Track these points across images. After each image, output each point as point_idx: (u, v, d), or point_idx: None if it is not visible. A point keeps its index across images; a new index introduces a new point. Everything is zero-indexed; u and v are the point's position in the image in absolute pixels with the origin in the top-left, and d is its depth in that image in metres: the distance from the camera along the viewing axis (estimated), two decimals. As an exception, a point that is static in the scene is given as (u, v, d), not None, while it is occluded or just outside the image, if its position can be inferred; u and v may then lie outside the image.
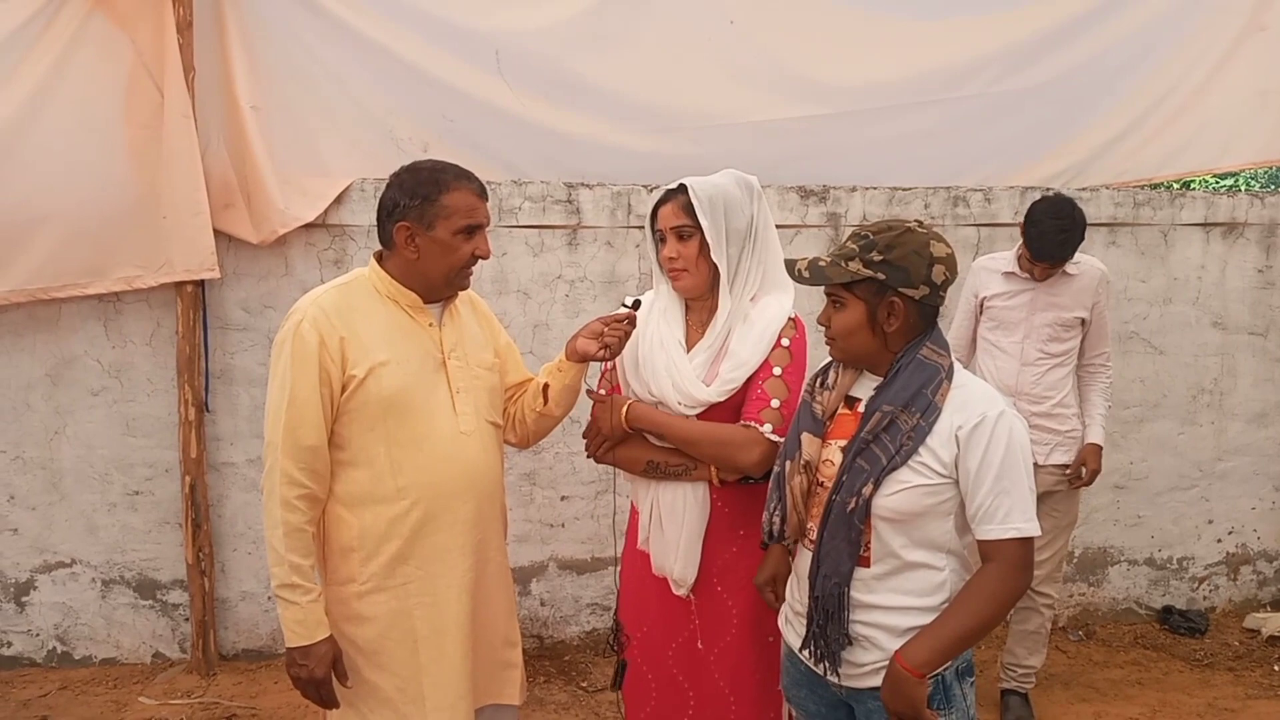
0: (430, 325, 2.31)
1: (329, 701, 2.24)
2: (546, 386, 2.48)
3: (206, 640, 4.09)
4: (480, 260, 2.31)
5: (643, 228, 4.15)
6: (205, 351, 4.01)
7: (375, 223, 2.30)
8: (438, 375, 2.29)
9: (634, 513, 2.58)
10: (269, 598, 4.20)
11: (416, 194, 2.20)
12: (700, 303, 2.46)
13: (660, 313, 2.47)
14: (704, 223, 2.35)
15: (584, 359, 2.41)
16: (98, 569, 4.12)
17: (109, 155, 3.80)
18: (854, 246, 1.99)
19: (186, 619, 4.14)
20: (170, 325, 3.98)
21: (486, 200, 2.30)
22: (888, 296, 1.96)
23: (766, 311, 2.40)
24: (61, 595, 4.12)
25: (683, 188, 2.39)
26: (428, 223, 2.21)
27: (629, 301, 2.44)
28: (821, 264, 2.01)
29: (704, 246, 2.38)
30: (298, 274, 4.05)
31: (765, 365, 2.35)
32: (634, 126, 4.23)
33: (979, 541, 1.93)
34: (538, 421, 2.53)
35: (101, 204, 3.80)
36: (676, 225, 2.38)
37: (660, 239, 2.44)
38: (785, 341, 2.37)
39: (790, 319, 2.41)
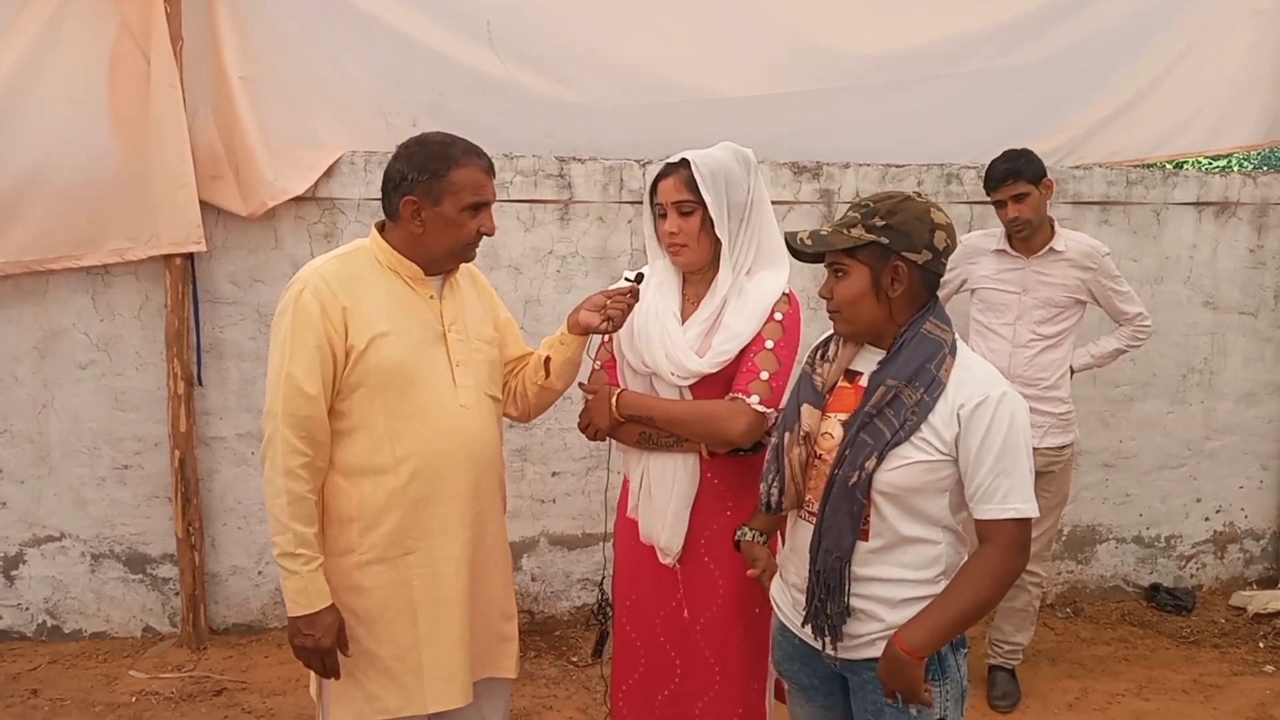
0: (431, 297, 2.30)
1: (332, 671, 2.25)
2: (548, 360, 2.47)
3: (197, 614, 4.08)
4: (485, 236, 2.29)
5: (635, 203, 4.15)
6: (196, 325, 3.99)
7: (380, 193, 2.28)
8: (437, 347, 2.28)
9: (626, 482, 2.59)
10: (259, 572, 4.19)
11: (425, 168, 2.19)
12: (698, 276, 2.47)
13: (656, 285, 2.47)
14: (708, 199, 2.35)
15: (585, 331, 2.41)
16: (87, 543, 4.11)
17: (96, 126, 3.76)
18: (855, 215, 1.99)
19: (177, 593, 4.14)
20: (159, 298, 3.95)
21: (494, 176, 2.29)
22: (891, 261, 1.96)
23: (761, 286, 2.41)
24: (51, 569, 4.11)
25: (684, 162, 2.38)
26: (434, 198, 2.20)
27: (631, 275, 2.42)
28: (823, 232, 2.01)
29: (705, 222, 2.38)
30: (287, 247, 4.02)
31: (758, 338, 2.36)
32: (627, 100, 4.19)
33: (977, 521, 1.94)
34: (539, 395, 2.53)
35: (90, 176, 3.77)
36: (678, 200, 2.37)
37: (660, 213, 2.43)
38: (778, 315, 2.39)
39: (784, 293, 2.42)
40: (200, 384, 4.03)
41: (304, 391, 2.14)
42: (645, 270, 2.48)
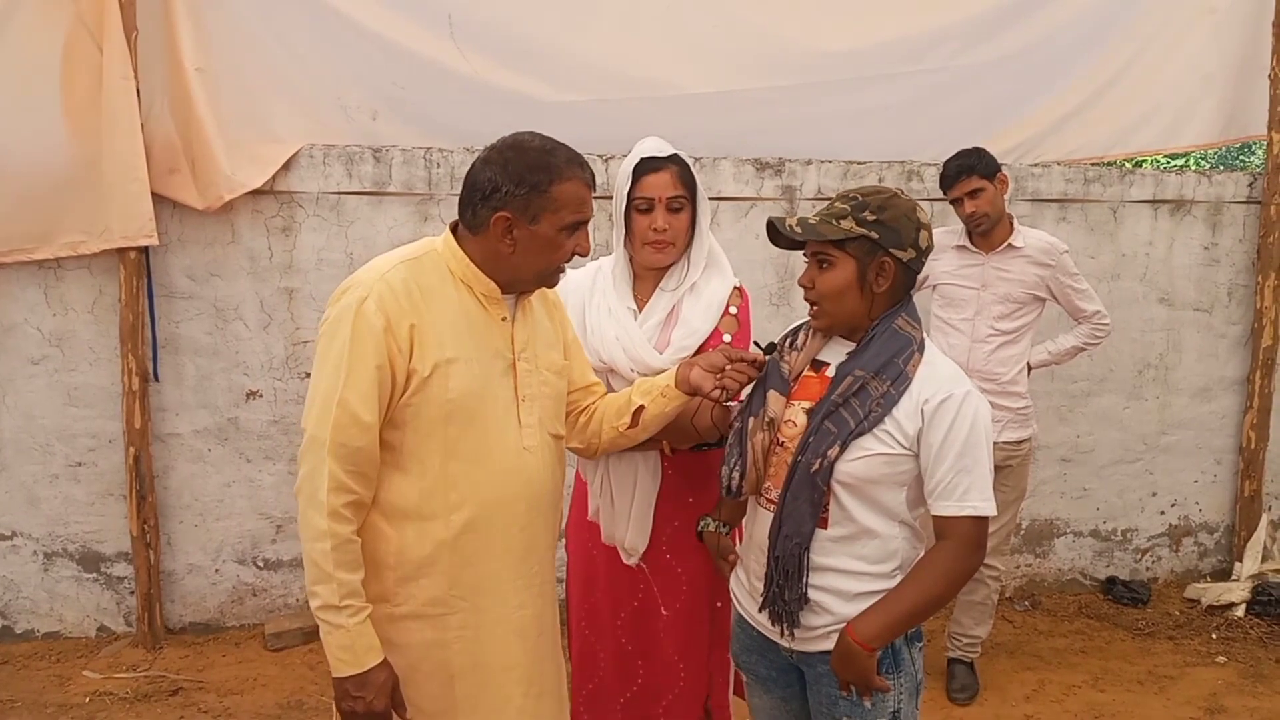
0: (504, 319, 2.01)
1: None
2: (640, 409, 2.19)
3: (152, 613, 4.03)
4: (579, 257, 2.03)
5: (597, 198, 4.12)
6: (152, 320, 3.93)
7: (461, 198, 1.99)
8: (505, 379, 2.00)
9: (579, 485, 2.58)
10: (216, 570, 4.14)
11: (524, 181, 1.90)
12: (653, 273, 2.46)
13: (609, 283, 2.46)
14: (700, 194, 2.39)
15: (694, 392, 2.14)
16: (39, 541, 4.04)
17: (49, 118, 3.70)
18: (844, 207, 1.98)
19: (132, 592, 4.08)
20: (113, 293, 3.89)
21: (594, 190, 2.02)
22: (879, 256, 1.96)
23: (712, 281, 2.43)
24: (2, 568, 4.03)
25: (673, 157, 2.37)
26: (532, 215, 1.91)
27: (763, 343, 2.24)
28: (812, 221, 1.99)
29: (692, 219, 2.39)
30: (244, 241, 3.97)
31: (715, 333, 2.39)
32: (589, 95, 4.18)
33: (935, 517, 1.96)
34: (615, 440, 2.25)
35: (43, 168, 3.71)
36: (673, 196, 2.35)
37: (643, 208, 2.37)
38: (733, 309, 2.42)
39: (736, 288, 2.44)
40: (156, 379, 3.97)
41: (359, 420, 1.84)
42: (775, 341, 2.25)
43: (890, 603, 1.94)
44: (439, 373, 1.90)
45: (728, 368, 2.10)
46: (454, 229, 2.02)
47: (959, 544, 1.93)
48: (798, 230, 1.98)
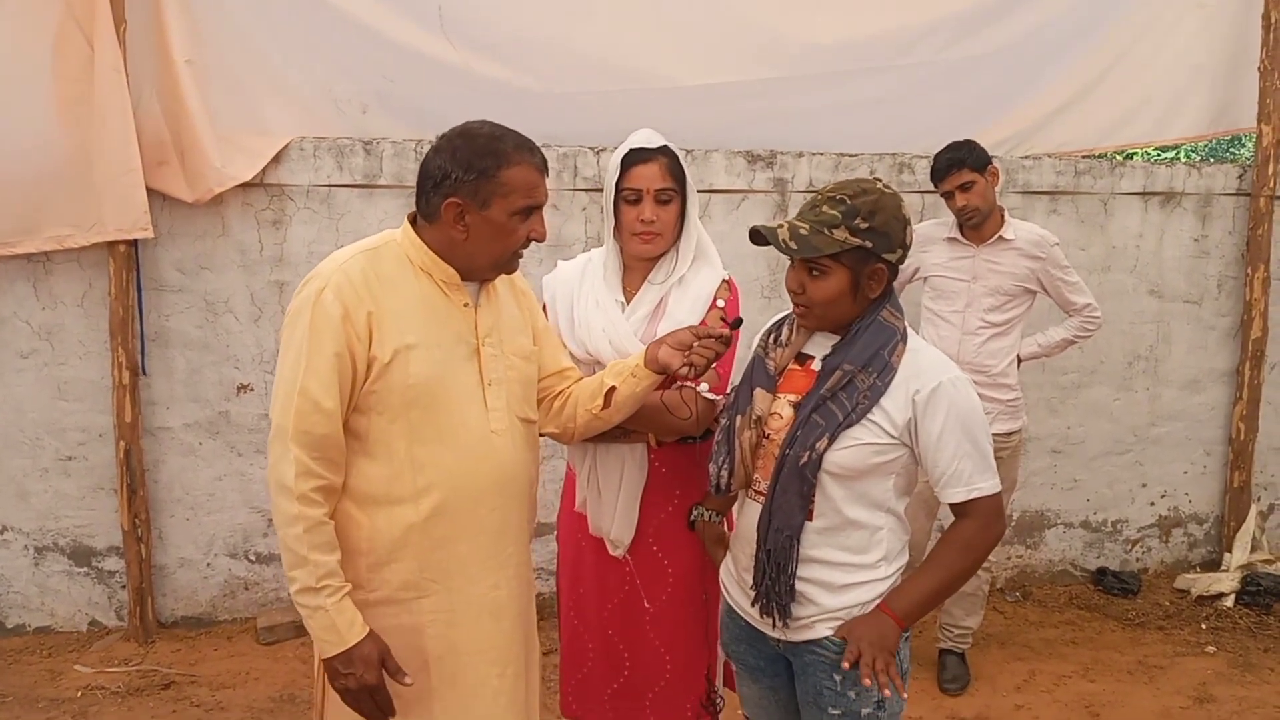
0: (466, 306, 2.04)
1: (386, 708, 1.95)
2: (611, 390, 2.21)
3: (144, 607, 4.02)
4: (535, 243, 2.03)
5: (590, 190, 4.14)
6: (140, 313, 3.92)
7: (415, 187, 2.02)
8: (469, 364, 2.03)
9: (570, 475, 2.58)
10: (207, 564, 4.14)
11: (472, 167, 1.92)
12: (642, 265, 2.46)
13: (597, 273, 2.46)
14: (689, 186, 2.38)
15: (663, 371, 2.16)
16: (30, 536, 4.03)
17: (37, 110, 3.69)
18: (835, 213, 1.93)
19: (123, 586, 4.07)
20: (103, 286, 3.88)
21: (547, 174, 2.04)
22: (873, 264, 1.95)
23: (700, 274, 2.43)
24: (-8, 563, 4.03)
25: (663, 149, 2.37)
26: (481, 200, 1.94)
27: (730, 319, 2.25)
28: (804, 232, 1.94)
29: (681, 211, 2.39)
30: (234, 234, 3.96)
31: (701, 326, 2.36)
32: (581, 87, 4.18)
33: (949, 505, 2.00)
34: (590, 424, 2.26)
35: (31, 161, 3.69)
36: (661, 188, 2.35)
37: (631, 199, 2.37)
38: (720, 303, 2.41)
39: (724, 280, 2.44)
40: (144, 373, 3.96)
41: (320, 407, 1.88)
42: (741, 318, 2.30)
43: (920, 579, 1.99)
44: (399, 358, 1.93)
45: (695, 344, 2.12)
46: (412, 220, 2.05)
47: (978, 519, 1.99)
48: (793, 245, 1.94)
